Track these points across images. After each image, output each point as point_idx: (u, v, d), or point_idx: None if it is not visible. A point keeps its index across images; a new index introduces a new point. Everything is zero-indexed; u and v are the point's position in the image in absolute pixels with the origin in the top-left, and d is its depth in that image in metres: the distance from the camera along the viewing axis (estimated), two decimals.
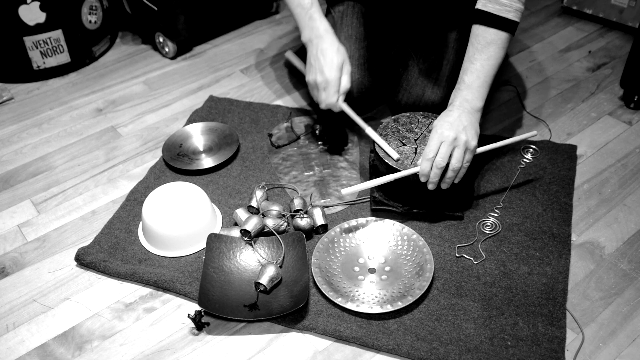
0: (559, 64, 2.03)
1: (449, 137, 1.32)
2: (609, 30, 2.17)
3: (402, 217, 1.46)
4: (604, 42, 2.12)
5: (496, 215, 1.46)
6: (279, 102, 1.88)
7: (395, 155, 1.39)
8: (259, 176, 1.61)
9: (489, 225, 1.44)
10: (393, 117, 1.52)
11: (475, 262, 1.36)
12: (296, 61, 1.70)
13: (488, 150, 1.41)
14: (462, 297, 1.30)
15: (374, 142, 1.46)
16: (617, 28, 2.17)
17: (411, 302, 1.26)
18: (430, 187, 1.37)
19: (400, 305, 1.25)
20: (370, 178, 1.52)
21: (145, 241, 1.44)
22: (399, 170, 1.37)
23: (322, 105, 1.49)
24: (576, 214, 1.50)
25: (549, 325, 1.25)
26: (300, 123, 1.76)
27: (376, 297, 1.29)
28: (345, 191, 1.37)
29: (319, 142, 1.68)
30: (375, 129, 1.53)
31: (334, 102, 1.48)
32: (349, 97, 1.62)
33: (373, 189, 1.48)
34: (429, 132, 1.45)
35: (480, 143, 1.40)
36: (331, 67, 1.45)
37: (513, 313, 1.27)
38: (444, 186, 1.37)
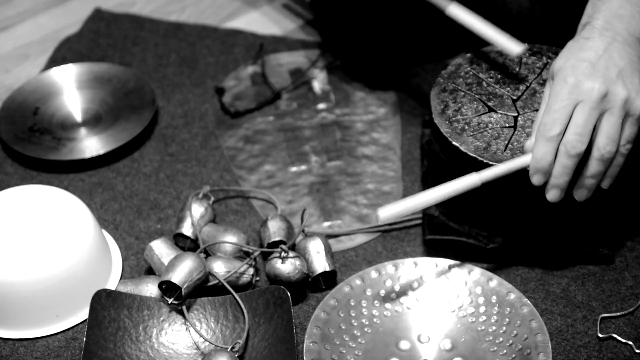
0: None
1: (593, 92, 0.99)
2: None
3: (488, 258, 1.12)
4: None
5: None
6: (235, 23, 1.49)
7: (518, 49, 1.09)
8: (198, 174, 1.28)
9: None
10: (469, 55, 1.15)
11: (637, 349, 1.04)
12: None
13: None
14: None
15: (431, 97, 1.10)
16: None
17: None
18: (552, 195, 1.01)
19: None
20: (425, 177, 1.19)
21: None
22: (489, 165, 1.02)
23: None
24: None
25: None
26: (280, 66, 1.40)
27: None
28: (384, 213, 1.04)
29: (320, 106, 1.36)
30: (431, 79, 1.19)
31: None
32: None
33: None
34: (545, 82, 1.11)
35: None
36: None
37: None
38: (580, 195, 1.04)
